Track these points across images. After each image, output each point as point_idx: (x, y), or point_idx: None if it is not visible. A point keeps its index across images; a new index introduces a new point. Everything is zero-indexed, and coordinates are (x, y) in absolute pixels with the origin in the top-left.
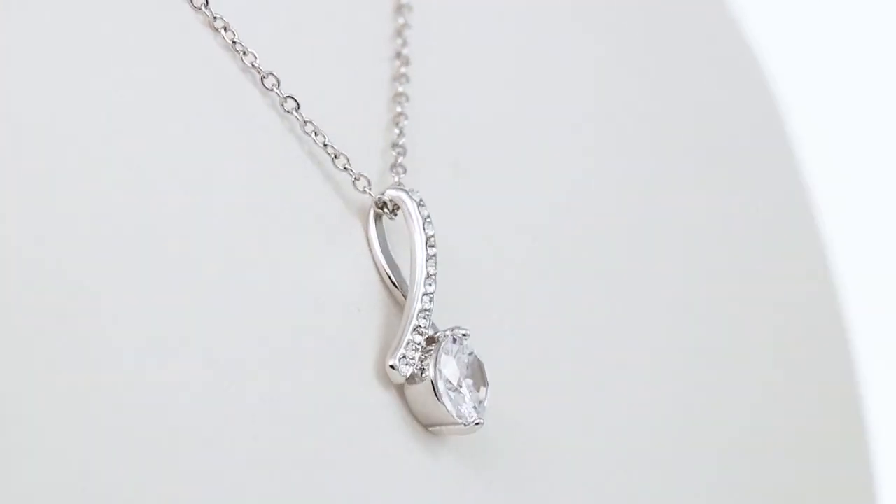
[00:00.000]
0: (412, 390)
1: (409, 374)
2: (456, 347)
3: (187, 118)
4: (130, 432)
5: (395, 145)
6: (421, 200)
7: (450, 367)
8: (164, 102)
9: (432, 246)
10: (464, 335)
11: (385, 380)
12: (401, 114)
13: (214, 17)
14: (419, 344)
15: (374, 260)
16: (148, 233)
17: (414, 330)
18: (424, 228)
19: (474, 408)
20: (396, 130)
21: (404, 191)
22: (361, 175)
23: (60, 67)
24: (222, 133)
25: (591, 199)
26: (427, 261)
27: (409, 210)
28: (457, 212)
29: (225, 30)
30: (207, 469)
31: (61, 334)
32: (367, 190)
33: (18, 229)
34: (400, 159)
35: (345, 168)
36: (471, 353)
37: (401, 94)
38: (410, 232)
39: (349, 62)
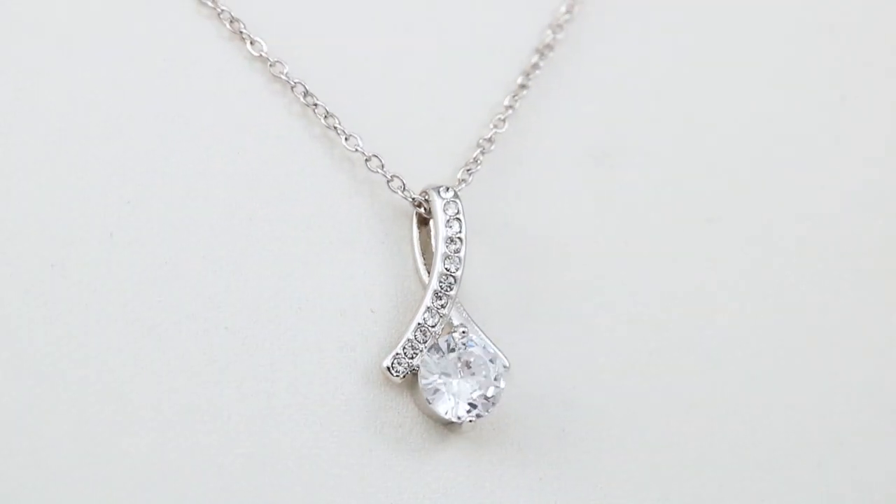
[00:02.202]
0: (416, 390)
1: (404, 375)
2: (447, 346)
3: (214, 120)
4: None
5: (486, 140)
6: (451, 198)
7: (432, 367)
8: (197, 105)
9: (453, 242)
10: (463, 332)
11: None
12: (509, 107)
13: (232, 19)
14: (420, 343)
15: (414, 260)
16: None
17: (416, 329)
18: (447, 226)
19: (470, 404)
20: (492, 125)
21: (434, 189)
22: (395, 176)
23: (110, 79)
24: (254, 136)
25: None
26: (445, 259)
27: (434, 208)
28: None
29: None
30: (221, 459)
31: (117, 333)
32: (401, 191)
33: (53, 238)
34: (477, 155)
35: (378, 170)
36: (470, 347)
37: (522, 87)
38: (433, 230)
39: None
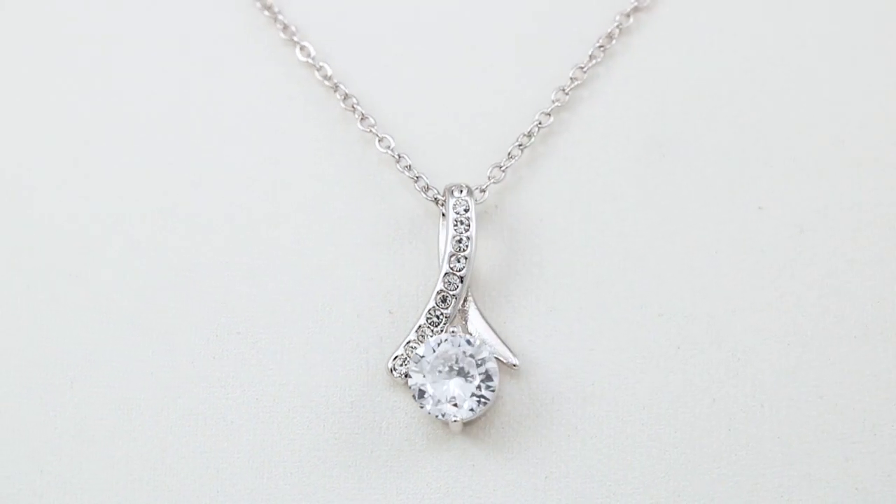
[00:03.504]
0: None
1: (406, 375)
2: (436, 346)
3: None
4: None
5: (525, 135)
6: (462, 197)
7: (420, 367)
8: (231, 109)
9: (461, 242)
10: (452, 332)
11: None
12: (555, 101)
13: (285, 26)
14: (419, 344)
15: (439, 261)
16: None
17: (418, 330)
18: (454, 226)
19: (453, 403)
20: (537, 119)
21: (448, 188)
22: (419, 176)
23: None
24: (290, 140)
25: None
26: (450, 259)
27: (447, 207)
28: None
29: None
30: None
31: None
32: (424, 191)
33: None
34: (513, 150)
35: (405, 171)
36: (458, 348)
37: (573, 80)
38: (444, 230)
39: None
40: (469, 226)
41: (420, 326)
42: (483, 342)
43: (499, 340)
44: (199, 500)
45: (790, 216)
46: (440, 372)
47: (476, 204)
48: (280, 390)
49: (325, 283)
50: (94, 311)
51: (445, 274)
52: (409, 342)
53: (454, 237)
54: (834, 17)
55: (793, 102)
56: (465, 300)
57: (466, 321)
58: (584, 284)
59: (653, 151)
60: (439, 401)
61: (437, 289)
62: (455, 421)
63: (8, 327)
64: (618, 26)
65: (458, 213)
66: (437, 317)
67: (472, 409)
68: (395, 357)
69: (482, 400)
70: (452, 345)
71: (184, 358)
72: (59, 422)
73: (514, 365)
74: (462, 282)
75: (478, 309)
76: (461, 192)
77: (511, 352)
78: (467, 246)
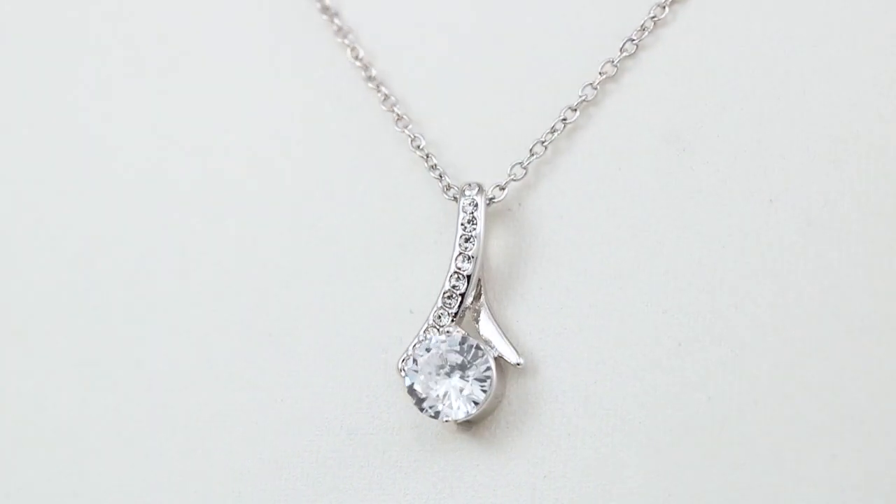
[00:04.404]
0: None
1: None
2: (430, 345)
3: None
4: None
5: (550, 132)
6: (473, 195)
7: (415, 366)
8: (279, 113)
9: (468, 241)
10: (448, 332)
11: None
12: (583, 100)
13: (339, 28)
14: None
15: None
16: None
17: (426, 331)
18: (462, 225)
19: (445, 403)
20: (561, 114)
21: (462, 186)
22: (442, 174)
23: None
24: (329, 141)
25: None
26: (456, 258)
27: (458, 206)
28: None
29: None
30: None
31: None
32: (445, 191)
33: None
34: (535, 147)
35: (431, 170)
36: (450, 346)
37: (602, 74)
38: (455, 229)
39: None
40: (476, 224)
41: (428, 327)
42: (483, 342)
43: (503, 339)
44: (223, 500)
45: (801, 212)
46: (435, 372)
47: (494, 202)
48: (302, 392)
49: (349, 282)
50: (118, 313)
51: (452, 274)
52: (418, 342)
53: (462, 236)
54: (859, 13)
55: (815, 97)
56: (478, 298)
57: (478, 320)
58: (596, 282)
59: (673, 147)
60: (434, 400)
61: (444, 289)
62: (447, 421)
63: (46, 328)
64: (652, 18)
65: (465, 212)
66: (440, 317)
67: (464, 410)
68: (404, 357)
69: (475, 400)
70: (448, 345)
71: (210, 360)
72: (80, 422)
73: (518, 364)
74: (469, 281)
75: (488, 307)
76: (471, 190)
77: (516, 351)
78: (472, 246)
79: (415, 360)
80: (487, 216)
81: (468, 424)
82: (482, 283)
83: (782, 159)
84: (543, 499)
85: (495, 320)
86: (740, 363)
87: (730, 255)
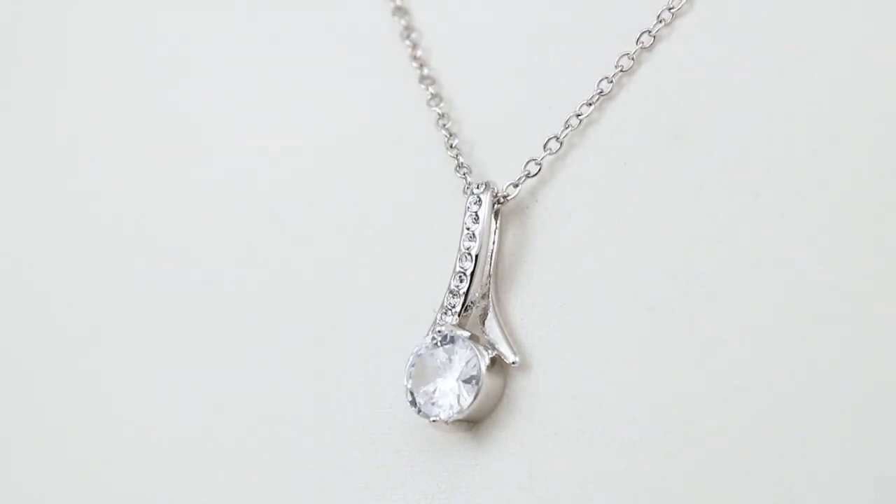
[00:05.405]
0: None
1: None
2: (422, 346)
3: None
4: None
5: (565, 127)
6: (479, 193)
7: (410, 368)
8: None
9: (471, 240)
10: (439, 332)
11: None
12: (602, 93)
13: (406, 27)
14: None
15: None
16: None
17: (432, 330)
18: (465, 224)
19: (433, 402)
20: (576, 109)
21: (470, 184)
22: (466, 174)
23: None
24: (374, 144)
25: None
26: (459, 257)
27: (464, 203)
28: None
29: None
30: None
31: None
32: (464, 190)
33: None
34: (550, 143)
35: (456, 170)
36: (437, 349)
37: (618, 66)
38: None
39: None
40: (479, 223)
41: (434, 329)
42: (483, 342)
43: (503, 338)
44: (240, 500)
45: (818, 214)
46: (425, 372)
47: (508, 199)
48: (327, 394)
49: (377, 284)
50: (153, 317)
51: (454, 273)
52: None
53: (465, 235)
54: (868, 12)
55: (825, 98)
56: (485, 297)
57: (485, 319)
58: (598, 280)
59: (681, 141)
60: (423, 397)
61: (448, 288)
62: (434, 421)
63: (81, 326)
64: (669, 8)
65: (469, 211)
66: (447, 315)
67: (455, 409)
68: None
69: (462, 401)
70: (439, 345)
71: (238, 363)
72: (108, 424)
73: (513, 363)
74: (471, 280)
75: (493, 306)
76: (478, 188)
77: (512, 350)
78: (476, 243)
79: (409, 361)
80: (503, 214)
81: (469, 424)
82: (492, 281)
83: (803, 156)
84: (532, 498)
85: (499, 319)
86: (744, 364)
87: (743, 254)
